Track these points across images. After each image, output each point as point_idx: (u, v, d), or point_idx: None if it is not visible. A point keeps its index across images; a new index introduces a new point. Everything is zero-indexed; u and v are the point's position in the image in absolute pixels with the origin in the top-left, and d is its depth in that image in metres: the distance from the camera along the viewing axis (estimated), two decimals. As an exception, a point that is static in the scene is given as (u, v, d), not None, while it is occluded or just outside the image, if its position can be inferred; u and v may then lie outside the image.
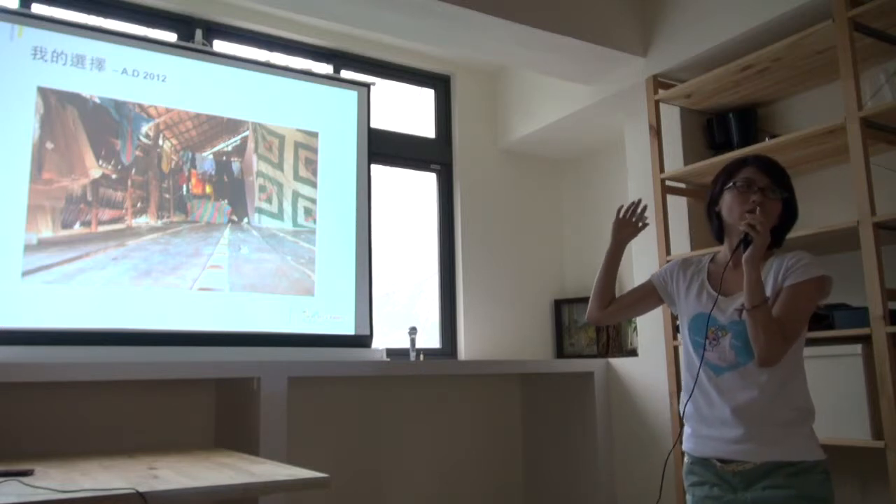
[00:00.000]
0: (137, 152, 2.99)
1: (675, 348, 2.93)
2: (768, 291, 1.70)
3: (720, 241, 1.91)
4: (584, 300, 3.98)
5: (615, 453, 3.42)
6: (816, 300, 1.72)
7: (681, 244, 3.09)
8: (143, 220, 2.96)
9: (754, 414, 1.69)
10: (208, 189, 3.13)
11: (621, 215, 2.06)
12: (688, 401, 1.81)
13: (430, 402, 3.54)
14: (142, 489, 1.58)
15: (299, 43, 3.61)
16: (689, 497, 1.82)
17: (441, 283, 3.92)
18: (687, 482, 1.82)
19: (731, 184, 1.81)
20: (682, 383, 1.89)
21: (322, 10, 2.96)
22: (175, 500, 1.63)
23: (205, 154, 3.13)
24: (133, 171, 2.97)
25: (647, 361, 3.24)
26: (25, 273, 2.70)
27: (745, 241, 1.70)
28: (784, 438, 1.68)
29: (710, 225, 1.92)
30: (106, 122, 2.93)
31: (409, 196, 3.98)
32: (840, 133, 2.47)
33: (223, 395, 2.91)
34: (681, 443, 1.89)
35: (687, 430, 1.83)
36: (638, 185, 3.34)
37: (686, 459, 1.84)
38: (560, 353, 4.08)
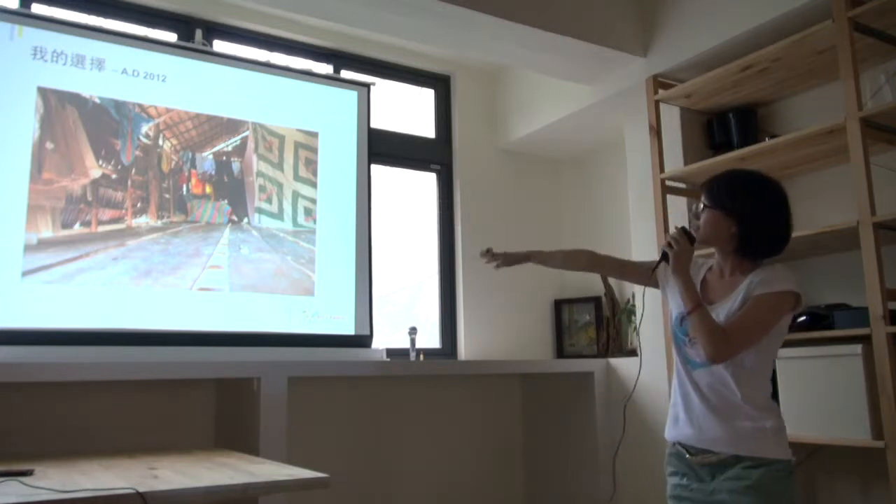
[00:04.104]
0: (137, 152, 2.99)
1: (675, 348, 2.93)
2: (739, 301, 1.82)
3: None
4: (584, 300, 4.03)
5: (615, 453, 3.42)
6: (778, 313, 1.80)
7: (681, 244, 3.09)
8: (143, 220, 2.96)
9: (723, 408, 1.81)
10: (208, 189, 3.13)
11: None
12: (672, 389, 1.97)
13: (430, 402, 3.54)
14: (142, 489, 1.58)
15: (299, 43, 3.61)
16: (668, 485, 1.95)
17: (441, 283, 3.92)
18: (666, 472, 1.96)
19: None
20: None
21: (322, 10, 2.96)
22: (175, 500, 1.63)
23: (205, 154, 3.13)
24: (133, 171, 2.97)
25: (647, 361, 3.24)
26: (25, 273, 2.70)
27: (664, 258, 1.92)
28: (750, 437, 1.78)
29: None
30: (106, 122, 2.93)
31: (409, 196, 3.98)
32: (840, 133, 2.47)
33: (223, 395, 2.91)
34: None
35: (669, 415, 1.96)
36: (638, 185, 3.34)
37: (667, 450, 1.97)
38: (560, 353, 4.08)
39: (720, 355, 1.77)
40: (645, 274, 2.11)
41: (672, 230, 1.93)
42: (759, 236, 1.85)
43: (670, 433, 1.94)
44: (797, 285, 1.80)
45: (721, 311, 1.84)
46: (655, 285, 2.10)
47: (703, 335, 1.78)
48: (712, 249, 1.96)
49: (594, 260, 2.24)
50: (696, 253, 1.95)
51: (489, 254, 2.31)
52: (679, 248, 1.88)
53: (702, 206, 1.92)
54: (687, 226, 1.94)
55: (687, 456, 1.87)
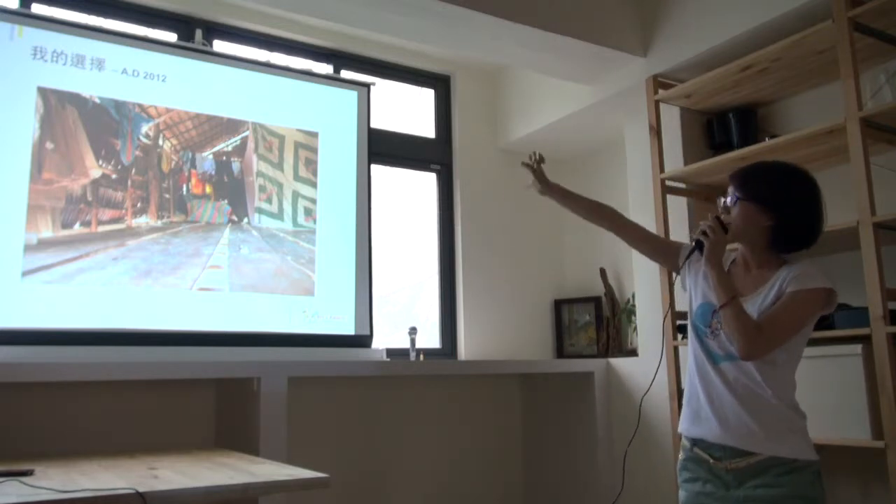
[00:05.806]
0: (137, 152, 2.99)
1: (676, 348, 2.93)
2: (772, 297, 1.75)
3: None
4: (584, 300, 4.03)
5: (615, 453, 3.42)
6: (812, 310, 1.73)
7: (681, 244, 3.09)
8: (143, 220, 2.96)
9: (754, 404, 1.73)
10: (208, 189, 3.13)
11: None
12: (690, 383, 1.87)
13: (430, 401, 3.54)
14: (142, 489, 1.58)
15: (299, 43, 3.61)
16: (682, 493, 1.84)
17: (441, 283, 3.92)
18: (680, 478, 1.85)
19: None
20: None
21: (322, 10, 2.96)
22: (175, 500, 1.63)
23: (205, 154, 3.13)
24: (133, 171, 2.97)
25: (648, 361, 3.24)
26: (25, 273, 2.70)
27: (699, 247, 1.83)
28: (782, 433, 1.71)
29: None
30: (106, 122, 2.93)
31: (409, 196, 3.98)
32: (840, 133, 2.47)
33: (223, 395, 2.91)
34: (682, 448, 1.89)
35: (686, 411, 1.85)
36: (638, 185, 3.34)
37: (681, 455, 1.87)
38: (560, 353, 4.08)
39: (754, 350, 1.69)
40: (667, 252, 2.05)
41: (707, 219, 1.83)
42: (795, 230, 1.78)
43: (690, 430, 1.83)
44: (830, 282, 1.73)
45: (751, 307, 1.75)
46: (676, 270, 2.01)
47: (737, 329, 1.70)
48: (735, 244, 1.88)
49: (618, 221, 2.13)
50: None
51: (536, 158, 2.26)
52: (714, 237, 1.79)
53: (732, 198, 1.82)
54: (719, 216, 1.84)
55: (711, 461, 1.76)
